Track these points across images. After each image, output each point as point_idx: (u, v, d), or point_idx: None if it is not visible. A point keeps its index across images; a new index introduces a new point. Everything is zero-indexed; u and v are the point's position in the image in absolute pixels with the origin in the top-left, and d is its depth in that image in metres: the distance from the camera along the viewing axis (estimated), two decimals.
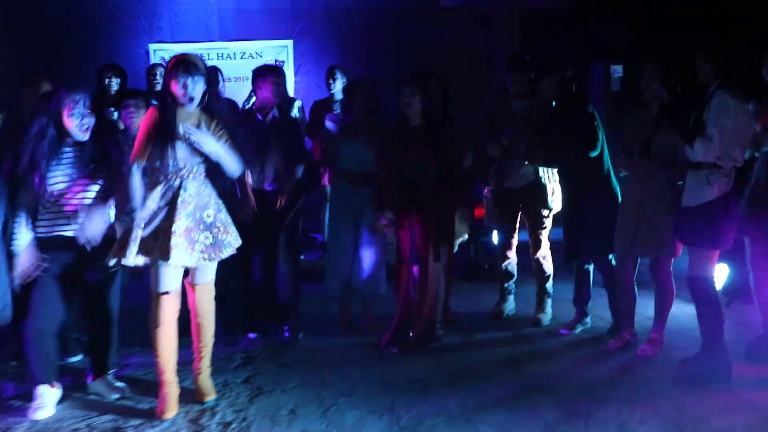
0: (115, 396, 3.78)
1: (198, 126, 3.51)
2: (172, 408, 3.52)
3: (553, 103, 4.63)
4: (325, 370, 4.13)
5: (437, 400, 3.63)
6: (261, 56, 8.49)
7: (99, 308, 3.78)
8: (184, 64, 3.47)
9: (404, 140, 4.40)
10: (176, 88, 3.46)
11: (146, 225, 3.43)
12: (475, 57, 8.06)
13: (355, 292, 4.89)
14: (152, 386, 3.69)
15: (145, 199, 3.45)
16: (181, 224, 3.40)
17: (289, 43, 8.51)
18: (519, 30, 8.03)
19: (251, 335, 4.78)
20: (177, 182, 3.46)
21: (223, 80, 5.94)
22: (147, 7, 8.28)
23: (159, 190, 3.46)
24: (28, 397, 3.61)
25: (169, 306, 3.50)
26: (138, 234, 3.39)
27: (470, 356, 4.34)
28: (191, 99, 3.47)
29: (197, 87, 3.47)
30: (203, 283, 3.66)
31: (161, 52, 8.36)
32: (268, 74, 4.77)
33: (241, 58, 8.53)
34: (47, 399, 3.58)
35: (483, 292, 5.66)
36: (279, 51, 8.56)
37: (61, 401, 3.67)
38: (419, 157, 4.38)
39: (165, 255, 3.37)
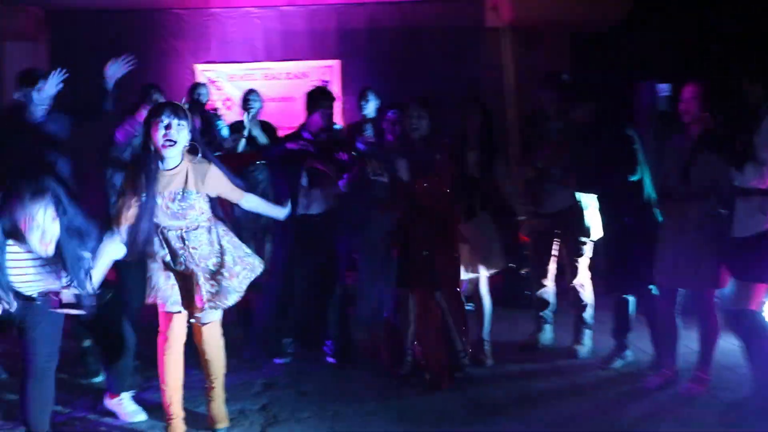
0: (131, 418, 3.79)
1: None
2: None
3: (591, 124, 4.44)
4: (343, 400, 4.03)
5: None
6: (307, 76, 8.52)
7: (109, 332, 3.77)
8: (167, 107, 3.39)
9: (416, 165, 4.28)
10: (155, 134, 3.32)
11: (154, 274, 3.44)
12: (522, 76, 7.89)
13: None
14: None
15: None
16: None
17: (335, 63, 8.52)
18: (569, 48, 7.82)
19: (277, 360, 4.73)
20: (176, 233, 3.40)
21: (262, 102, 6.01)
22: (194, 28, 8.41)
23: (161, 240, 3.43)
24: None
25: (171, 337, 3.48)
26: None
27: (497, 388, 4.16)
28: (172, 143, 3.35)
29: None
30: (209, 323, 3.54)
31: (208, 72, 8.48)
32: (319, 99, 4.80)
33: (287, 78, 8.57)
34: None
35: (520, 319, 5.45)
36: (325, 71, 8.58)
37: (81, 423, 3.69)
38: (430, 184, 4.26)
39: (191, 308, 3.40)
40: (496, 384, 4.24)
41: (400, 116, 4.44)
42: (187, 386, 3.82)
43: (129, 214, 3.29)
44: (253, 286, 3.61)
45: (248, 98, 5.86)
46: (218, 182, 3.44)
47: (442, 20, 8.30)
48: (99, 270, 3.15)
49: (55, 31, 8.37)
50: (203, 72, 8.45)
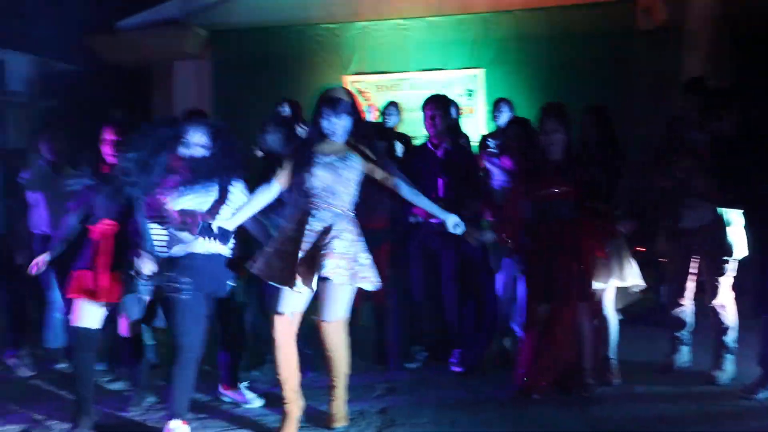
0: (246, 406, 4.16)
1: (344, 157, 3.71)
2: (290, 428, 3.71)
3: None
4: (462, 408, 4.10)
5: None
6: (453, 85, 8.65)
7: (230, 323, 4.13)
8: (328, 101, 3.71)
9: (542, 175, 4.28)
10: (321, 121, 3.70)
11: (277, 246, 3.68)
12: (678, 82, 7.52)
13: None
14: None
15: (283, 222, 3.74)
16: (306, 250, 3.60)
17: (481, 71, 8.58)
18: (729, 51, 7.36)
19: (405, 366, 4.90)
20: (308, 210, 3.67)
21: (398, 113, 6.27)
22: (344, 41, 8.83)
23: (293, 216, 3.71)
24: None
25: (283, 326, 3.70)
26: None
27: (621, 410, 4.04)
28: (334, 132, 3.69)
29: (340, 122, 3.69)
30: (332, 321, 3.72)
31: (357, 83, 8.85)
32: (425, 105, 4.93)
33: (433, 87, 8.73)
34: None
35: (660, 339, 5.21)
36: (470, 80, 8.67)
37: (203, 410, 4.06)
38: (557, 194, 4.23)
39: (289, 281, 3.58)
40: (620, 405, 4.12)
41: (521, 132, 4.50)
42: (312, 386, 4.13)
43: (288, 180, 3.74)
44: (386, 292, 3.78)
45: (387, 112, 6.12)
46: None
47: (592, 25, 8.14)
48: (244, 213, 3.69)
49: (217, 49, 9.13)
50: (353, 83, 8.84)
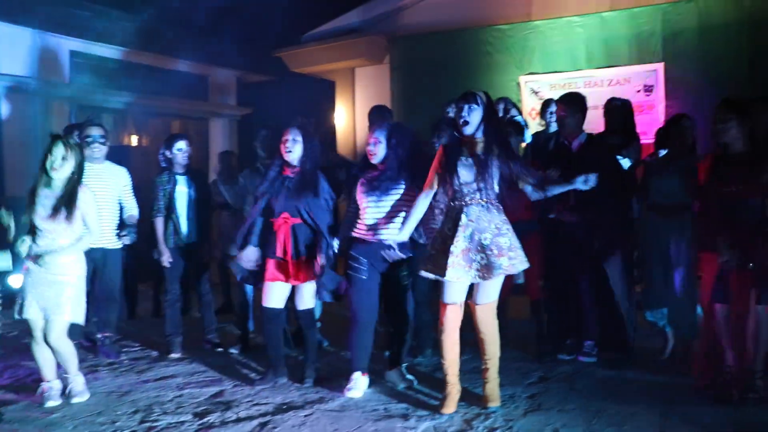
0: (403, 386, 4.65)
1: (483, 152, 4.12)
2: (450, 406, 4.18)
3: None
4: (611, 399, 4.34)
5: None
6: (629, 82, 8.66)
7: (398, 308, 4.67)
8: (465, 100, 4.14)
9: (722, 172, 4.31)
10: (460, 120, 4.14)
11: (436, 244, 4.15)
12: None
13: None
14: (440, 384, 4.36)
15: (439, 221, 4.23)
16: (459, 245, 4.04)
17: (659, 66, 8.51)
18: None
19: (561, 357, 5.22)
20: (459, 207, 4.10)
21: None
22: (518, 42, 9.10)
23: (447, 213, 4.17)
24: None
25: (451, 315, 4.16)
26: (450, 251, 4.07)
27: None
28: (466, 123, 4.11)
29: (476, 120, 4.09)
30: (483, 304, 4.20)
31: (531, 83, 9.13)
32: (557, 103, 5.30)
33: (609, 85, 8.80)
34: (359, 383, 4.55)
35: None
36: (647, 75, 8.60)
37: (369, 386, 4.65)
38: (739, 191, 4.25)
39: (442, 271, 4.04)
40: None
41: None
42: (469, 370, 4.61)
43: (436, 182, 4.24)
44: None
45: (546, 110, 6.38)
46: None
47: None
48: (411, 223, 4.29)
49: (395, 54, 9.81)
50: (526, 83, 9.12)
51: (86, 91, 10.32)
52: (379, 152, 4.54)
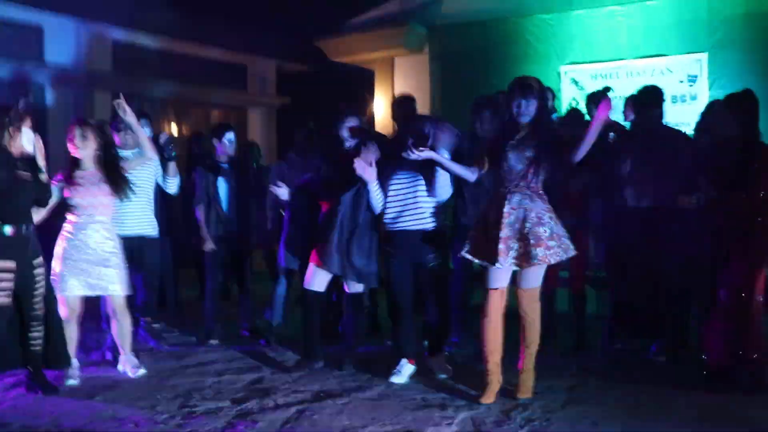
0: (443, 376, 4.70)
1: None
2: (489, 396, 4.20)
3: None
4: (650, 392, 4.33)
5: None
6: (672, 72, 8.53)
7: (436, 295, 4.72)
8: (520, 86, 4.14)
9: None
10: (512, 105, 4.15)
11: (483, 230, 4.17)
12: None
13: None
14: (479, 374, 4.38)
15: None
16: (504, 232, 4.05)
17: (704, 56, 8.36)
18: None
19: (606, 348, 5.26)
20: (503, 194, 4.12)
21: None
22: (559, 31, 9.01)
23: (491, 199, 4.22)
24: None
25: (494, 300, 4.18)
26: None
27: None
28: (521, 114, 4.12)
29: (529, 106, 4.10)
30: (528, 289, 4.23)
31: (572, 73, 9.04)
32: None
33: (651, 75, 8.67)
34: (405, 370, 4.65)
35: None
36: (692, 65, 8.47)
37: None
38: None
39: (491, 258, 4.07)
40: None
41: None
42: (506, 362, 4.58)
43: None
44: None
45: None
46: None
47: None
48: (446, 163, 4.37)
49: (434, 44, 9.78)
50: (567, 73, 9.04)
51: (128, 81, 10.50)
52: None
